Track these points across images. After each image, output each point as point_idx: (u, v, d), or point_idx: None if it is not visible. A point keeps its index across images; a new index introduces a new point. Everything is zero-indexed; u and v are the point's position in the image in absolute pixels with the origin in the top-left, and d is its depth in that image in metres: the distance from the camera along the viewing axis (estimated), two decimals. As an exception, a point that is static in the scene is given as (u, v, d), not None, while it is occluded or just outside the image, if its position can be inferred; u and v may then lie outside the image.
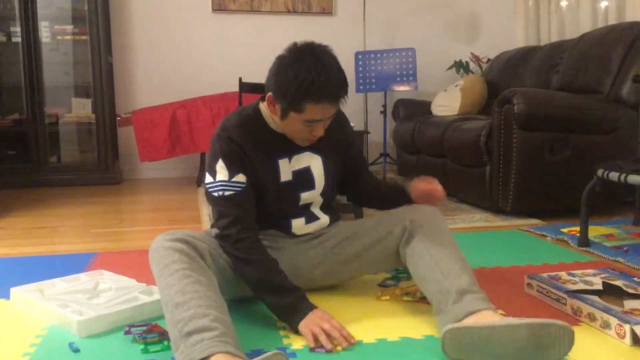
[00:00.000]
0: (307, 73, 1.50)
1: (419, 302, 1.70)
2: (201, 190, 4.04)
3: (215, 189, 1.61)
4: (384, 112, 4.61)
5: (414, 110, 4.48)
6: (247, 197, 1.62)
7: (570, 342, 1.29)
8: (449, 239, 1.60)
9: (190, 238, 1.47)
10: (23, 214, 3.29)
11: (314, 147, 1.71)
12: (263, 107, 1.68)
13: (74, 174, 4.44)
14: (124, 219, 3.26)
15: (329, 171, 1.76)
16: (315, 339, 1.42)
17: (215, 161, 1.62)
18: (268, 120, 1.67)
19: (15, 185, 4.26)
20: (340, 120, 1.78)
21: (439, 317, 1.46)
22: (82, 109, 4.52)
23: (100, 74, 4.39)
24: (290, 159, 1.69)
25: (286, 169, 1.69)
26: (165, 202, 3.73)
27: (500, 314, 1.49)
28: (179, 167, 4.81)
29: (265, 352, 1.22)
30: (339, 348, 1.39)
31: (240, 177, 1.61)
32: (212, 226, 1.80)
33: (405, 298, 1.74)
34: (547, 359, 1.29)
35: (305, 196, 1.73)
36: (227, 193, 1.59)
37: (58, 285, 1.82)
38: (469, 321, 1.37)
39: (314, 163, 1.73)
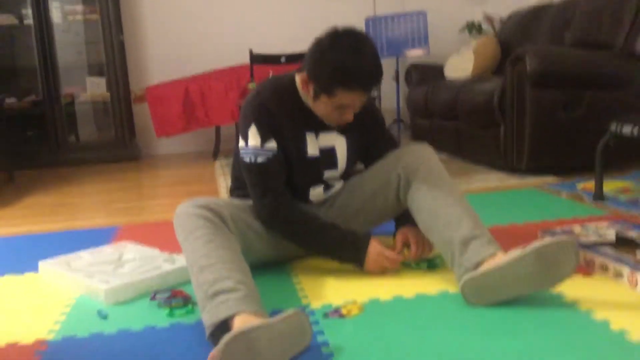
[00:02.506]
0: (343, 59, 1.52)
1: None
2: (218, 164, 4.09)
3: (247, 154, 1.65)
4: (396, 78, 4.60)
5: (426, 75, 4.45)
6: (278, 164, 1.66)
7: (576, 255, 1.34)
8: (444, 180, 1.62)
9: (213, 205, 1.52)
10: (45, 193, 3.37)
11: (341, 127, 1.74)
12: (298, 79, 1.69)
13: (92, 152, 4.52)
14: (143, 193, 3.32)
15: (352, 152, 1.79)
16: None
17: (247, 126, 1.65)
18: (301, 93, 1.69)
19: (36, 166, 4.35)
20: (366, 102, 1.78)
21: (454, 271, 1.50)
22: (96, 87, 4.57)
23: (113, 53, 4.42)
24: (317, 135, 1.72)
25: (313, 144, 1.72)
26: (183, 176, 3.79)
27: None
28: (195, 142, 4.86)
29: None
30: (353, 313, 1.43)
31: (272, 144, 1.65)
32: (232, 192, 1.85)
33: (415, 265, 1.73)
34: (560, 276, 1.36)
35: (327, 174, 1.77)
36: (259, 159, 1.64)
37: (84, 257, 1.89)
38: (481, 269, 1.41)
39: (339, 144, 1.76)
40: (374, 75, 1.58)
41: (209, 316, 1.28)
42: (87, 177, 3.91)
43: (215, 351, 1.10)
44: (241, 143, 1.67)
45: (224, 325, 1.24)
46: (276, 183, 1.67)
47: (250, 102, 1.68)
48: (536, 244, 1.36)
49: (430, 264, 1.71)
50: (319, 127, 1.71)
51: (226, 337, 1.10)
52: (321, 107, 1.64)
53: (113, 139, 4.56)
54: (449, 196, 1.58)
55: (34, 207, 3.02)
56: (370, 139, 1.83)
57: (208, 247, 1.40)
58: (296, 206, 1.69)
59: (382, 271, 1.65)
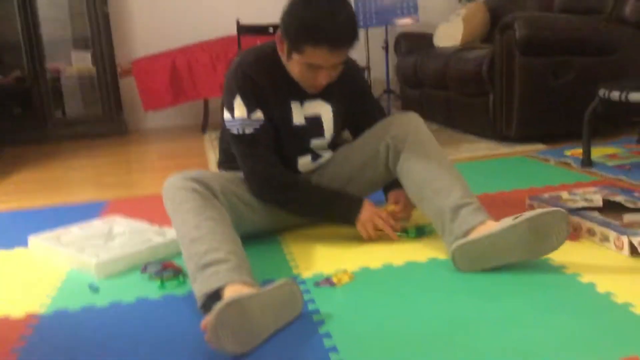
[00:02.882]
0: (313, 15, 1.50)
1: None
2: (207, 137, 4.07)
3: (235, 125, 1.63)
4: (385, 48, 4.56)
5: (416, 44, 4.41)
6: (267, 134, 1.65)
7: (567, 225, 1.36)
8: (433, 149, 1.62)
9: (202, 177, 1.52)
10: (33, 169, 3.35)
11: (325, 95, 1.72)
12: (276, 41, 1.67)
13: (79, 128, 4.47)
14: (132, 168, 3.31)
15: (338, 121, 1.78)
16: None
17: (232, 98, 1.63)
18: (284, 60, 1.66)
19: (23, 142, 4.31)
20: (351, 69, 1.78)
21: (444, 239, 1.52)
22: (82, 61, 4.51)
23: (98, 25, 4.35)
24: (302, 104, 1.71)
25: (298, 113, 1.70)
26: (172, 150, 3.77)
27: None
28: (183, 115, 4.83)
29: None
30: (343, 281, 1.43)
31: (259, 114, 1.63)
32: (220, 165, 1.84)
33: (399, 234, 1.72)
34: (550, 246, 1.37)
35: (314, 143, 1.76)
36: (247, 131, 1.63)
37: (74, 231, 1.88)
38: (472, 236, 1.43)
39: (325, 111, 1.74)
40: (343, 34, 1.52)
41: (200, 287, 1.28)
42: (74, 152, 3.88)
43: (208, 318, 1.10)
44: (227, 115, 1.66)
45: (215, 296, 1.24)
46: (266, 153, 1.66)
47: (232, 73, 1.66)
48: (528, 214, 1.37)
49: (419, 231, 1.72)
50: (304, 95, 1.70)
51: (219, 305, 1.11)
52: (295, 68, 1.61)
53: (100, 114, 4.51)
54: (439, 165, 1.58)
55: (21, 183, 3.00)
56: (356, 108, 1.82)
57: (198, 219, 1.40)
58: (288, 172, 1.69)
59: (374, 233, 1.65)
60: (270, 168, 1.65)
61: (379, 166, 1.70)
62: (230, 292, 1.23)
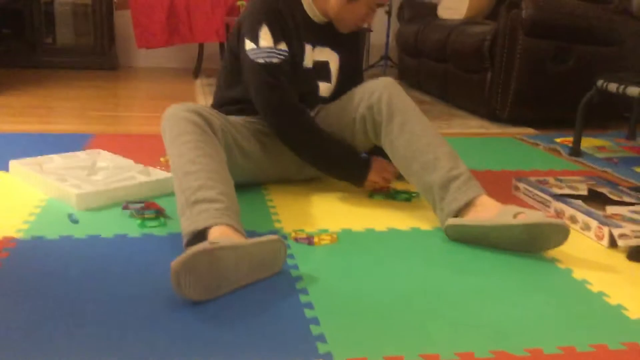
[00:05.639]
0: None
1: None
2: (199, 82, 4.00)
3: (261, 55, 1.61)
4: (388, 12, 4.49)
5: (419, 12, 4.35)
6: (289, 67, 1.66)
7: (565, 237, 1.36)
8: (413, 118, 1.58)
9: (205, 112, 1.48)
10: (18, 94, 3.27)
11: (334, 45, 1.76)
12: None
13: (69, 57, 4.37)
14: (120, 104, 3.25)
15: (343, 69, 1.81)
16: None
17: (259, 28, 1.62)
18: (304, 4, 1.70)
19: (10, 65, 4.20)
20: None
21: (436, 213, 1.52)
22: (77, -11, 4.38)
23: (97, -47, 4.21)
24: (313, 48, 1.73)
25: (309, 56, 1.73)
26: (162, 91, 3.71)
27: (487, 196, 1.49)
28: (177, 57, 4.74)
29: (258, 234, 1.26)
30: (324, 242, 1.42)
31: (283, 45, 1.64)
32: (218, 102, 1.81)
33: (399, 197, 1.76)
34: (542, 249, 1.40)
35: (322, 87, 1.77)
36: (274, 60, 1.61)
37: (56, 160, 1.85)
38: (468, 216, 1.44)
39: (333, 59, 1.78)
40: None
41: (187, 224, 1.26)
42: (62, 81, 3.79)
43: (176, 262, 1.06)
44: (250, 45, 1.62)
45: (201, 235, 1.23)
46: (288, 84, 1.64)
47: (258, 5, 1.66)
48: (531, 217, 1.35)
49: (409, 195, 1.73)
50: (316, 40, 1.73)
51: (191, 250, 1.08)
52: (354, 10, 1.66)
53: (91, 46, 4.41)
54: (421, 135, 1.55)
55: (6, 106, 2.94)
56: (354, 64, 1.87)
57: (195, 153, 1.37)
58: (306, 109, 1.70)
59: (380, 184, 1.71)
60: (290, 99, 1.65)
61: (358, 135, 1.70)
62: (216, 234, 1.21)
